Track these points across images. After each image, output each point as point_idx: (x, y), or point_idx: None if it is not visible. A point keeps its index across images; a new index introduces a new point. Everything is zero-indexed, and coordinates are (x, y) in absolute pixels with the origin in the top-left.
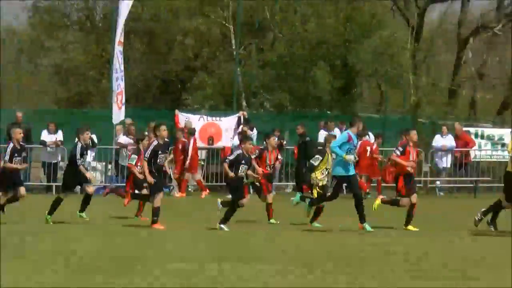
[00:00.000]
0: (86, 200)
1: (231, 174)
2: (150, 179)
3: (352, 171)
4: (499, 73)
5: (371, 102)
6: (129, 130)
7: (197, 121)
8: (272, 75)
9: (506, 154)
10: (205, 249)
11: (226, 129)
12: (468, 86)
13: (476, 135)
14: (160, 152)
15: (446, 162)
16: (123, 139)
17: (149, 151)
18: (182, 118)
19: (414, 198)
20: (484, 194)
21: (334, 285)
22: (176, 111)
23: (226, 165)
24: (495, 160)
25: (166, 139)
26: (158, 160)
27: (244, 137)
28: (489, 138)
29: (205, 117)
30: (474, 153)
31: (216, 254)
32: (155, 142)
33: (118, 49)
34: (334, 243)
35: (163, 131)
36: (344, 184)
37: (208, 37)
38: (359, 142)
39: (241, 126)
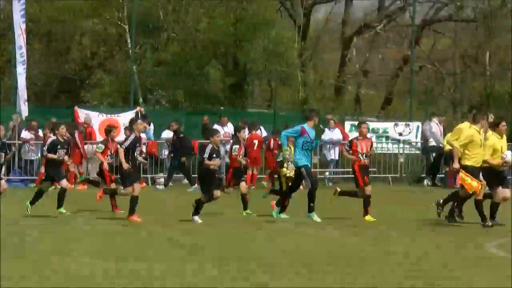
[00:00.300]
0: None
1: (208, 162)
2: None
3: (304, 162)
4: (382, 70)
5: (263, 98)
6: (30, 126)
7: (96, 117)
8: (167, 73)
9: (391, 146)
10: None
11: (124, 124)
12: (353, 82)
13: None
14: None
15: (334, 154)
16: (24, 134)
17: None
18: (82, 114)
19: (369, 190)
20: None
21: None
22: (75, 107)
23: (207, 162)
24: (380, 152)
25: (65, 137)
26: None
27: (213, 131)
28: (374, 131)
29: (104, 114)
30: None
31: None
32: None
33: (19, 47)
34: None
35: (61, 129)
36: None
37: (105, 37)
38: (248, 136)
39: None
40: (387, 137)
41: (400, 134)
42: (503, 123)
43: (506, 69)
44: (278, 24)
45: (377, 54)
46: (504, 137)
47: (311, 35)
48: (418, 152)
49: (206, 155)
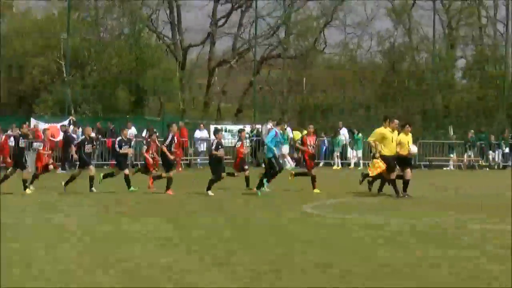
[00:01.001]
0: None
1: (215, 152)
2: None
3: (271, 154)
4: (237, 91)
5: (155, 109)
6: None
7: (44, 125)
8: (90, 93)
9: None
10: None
11: (60, 128)
12: (215, 98)
13: (225, 130)
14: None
15: (203, 147)
16: None
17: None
18: (33, 122)
19: (314, 171)
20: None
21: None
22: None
23: (214, 152)
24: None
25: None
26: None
27: (217, 130)
28: (230, 132)
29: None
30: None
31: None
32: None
33: None
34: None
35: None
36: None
37: (48, 69)
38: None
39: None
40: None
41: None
42: (408, 126)
43: (316, 89)
44: (165, 60)
45: (232, 80)
46: (410, 134)
47: (187, 67)
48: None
49: (213, 147)
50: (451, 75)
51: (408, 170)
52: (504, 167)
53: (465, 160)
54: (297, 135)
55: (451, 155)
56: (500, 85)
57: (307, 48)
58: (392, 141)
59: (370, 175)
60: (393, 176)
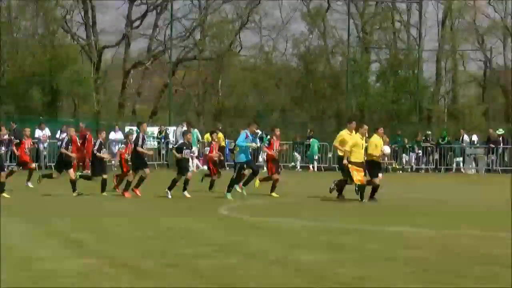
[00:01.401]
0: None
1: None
2: None
3: (249, 158)
4: (153, 93)
5: (69, 111)
6: None
7: None
8: (3, 93)
9: (155, 144)
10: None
11: None
12: (131, 100)
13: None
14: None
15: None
16: None
17: None
18: None
19: (277, 175)
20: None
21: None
22: None
23: (175, 153)
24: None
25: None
26: None
27: (185, 132)
28: (147, 133)
29: None
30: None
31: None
32: None
33: None
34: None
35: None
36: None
37: None
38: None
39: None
40: (153, 137)
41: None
42: (381, 129)
43: (232, 92)
44: (79, 61)
45: (148, 80)
46: (380, 137)
47: (102, 68)
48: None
49: (176, 148)
50: (365, 78)
51: (380, 175)
52: (418, 170)
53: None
54: (208, 137)
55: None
56: (413, 88)
57: (223, 50)
58: (362, 148)
59: (352, 183)
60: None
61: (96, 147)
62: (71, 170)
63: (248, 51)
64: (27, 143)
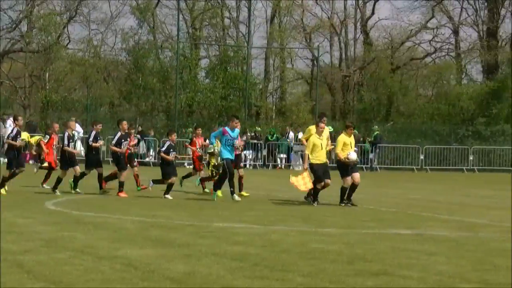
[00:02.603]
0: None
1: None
2: None
3: (233, 155)
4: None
5: None
6: None
7: None
8: None
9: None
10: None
11: None
12: None
13: None
14: None
15: None
16: None
17: None
18: None
19: (241, 171)
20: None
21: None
22: None
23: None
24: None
25: None
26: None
27: (170, 131)
28: None
29: None
30: None
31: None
32: None
33: None
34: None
35: None
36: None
37: None
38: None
39: None
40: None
41: None
42: (352, 127)
43: (59, 85)
44: None
45: None
46: (352, 136)
47: None
48: None
49: (163, 149)
50: (194, 74)
51: (357, 174)
52: (244, 166)
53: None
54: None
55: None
56: (242, 85)
57: (50, 43)
58: (322, 148)
59: (301, 190)
60: (319, 186)
61: (91, 139)
62: (77, 167)
63: (77, 45)
64: None
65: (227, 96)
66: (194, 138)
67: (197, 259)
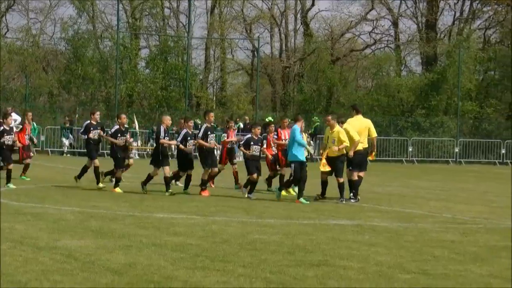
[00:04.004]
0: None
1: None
2: None
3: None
4: None
5: None
6: None
7: None
8: None
9: None
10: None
11: None
12: None
13: None
14: None
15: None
16: None
17: None
18: None
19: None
20: None
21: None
22: None
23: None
24: None
25: None
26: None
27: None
28: None
29: None
30: None
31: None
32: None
33: None
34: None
35: None
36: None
37: None
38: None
39: None
40: None
41: None
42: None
43: None
44: None
45: None
46: (336, 128)
47: None
48: None
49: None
50: (134, 64)
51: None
52: None
53: (148, 149)
54: None
55: (134, 144)
56: (182, 75)
57: None
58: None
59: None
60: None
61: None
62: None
63: (15, 34)
64: None
65: (167, 86)
66: (228, 131)
67: (137, 250)
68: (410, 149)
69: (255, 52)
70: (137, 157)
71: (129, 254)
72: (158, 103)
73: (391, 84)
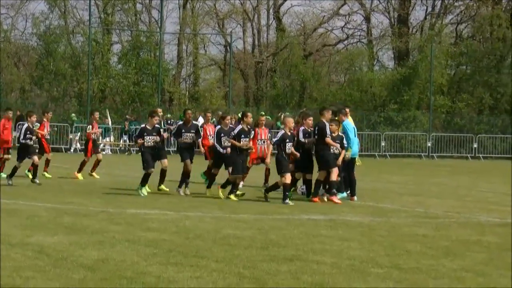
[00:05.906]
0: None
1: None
2: None
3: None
4: None
5: None
6: None
7: None
8: None
9: None
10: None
11: None
12: None
13: None
14: None
15: None
16: None
17: None
18: None
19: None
20: None
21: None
22: None
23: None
24: None
25: None
26: None
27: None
28: None
29: None
30: None
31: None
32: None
33: None
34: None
35: None
36: None
37: None
38: None
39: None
40: None
41: None
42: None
43: None
44: None
45: None
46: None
47: None
48: None
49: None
50: (106, 60)
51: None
52: None
53: (121, 145)
54: None
55: (107, 139)
56: (155, 71)
57: None
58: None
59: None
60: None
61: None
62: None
63: None
64: None
65: (140, 82)
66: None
67: (110, 246)
68: (383, 144)
69: (228, 47)
70: (110, 152)
71: (102, 250)
72: (131, 99)
73: (363, 79)
